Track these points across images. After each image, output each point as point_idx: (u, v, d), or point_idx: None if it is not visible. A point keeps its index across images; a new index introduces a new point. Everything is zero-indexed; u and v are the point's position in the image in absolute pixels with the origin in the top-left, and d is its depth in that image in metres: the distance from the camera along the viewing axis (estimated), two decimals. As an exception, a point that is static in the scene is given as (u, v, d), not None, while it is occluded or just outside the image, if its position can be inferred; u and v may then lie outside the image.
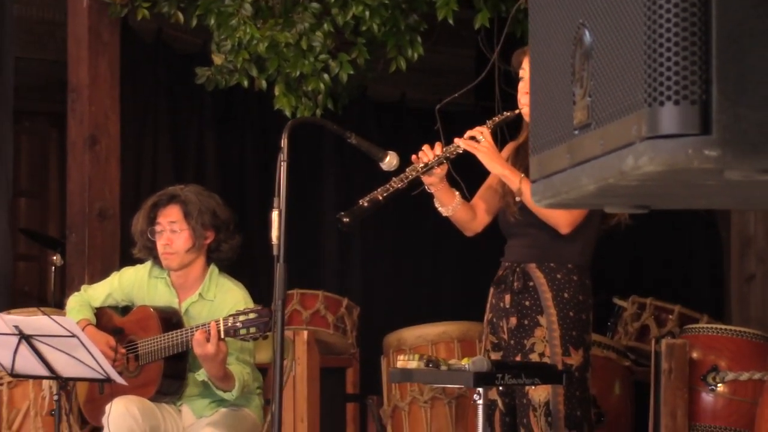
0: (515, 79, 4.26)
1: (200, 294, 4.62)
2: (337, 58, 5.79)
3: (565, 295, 4.09)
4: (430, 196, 4.28)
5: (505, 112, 4.27)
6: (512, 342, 4.16)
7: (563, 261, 4.12)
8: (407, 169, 4.16)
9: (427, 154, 4.16)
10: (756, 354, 5.11)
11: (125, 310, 4.76)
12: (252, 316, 4.28)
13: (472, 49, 7.48)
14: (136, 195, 6.80)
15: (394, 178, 4.13)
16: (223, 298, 4.59)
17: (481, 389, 3.75)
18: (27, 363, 4.40)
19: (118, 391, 4.47)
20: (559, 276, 4.11)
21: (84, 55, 6.29)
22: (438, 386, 5.69)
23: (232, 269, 4.77)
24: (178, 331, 4.48)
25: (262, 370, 4.76)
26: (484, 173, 4.28)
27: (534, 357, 4.09)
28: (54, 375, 4.42)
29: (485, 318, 4.31)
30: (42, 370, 4.41)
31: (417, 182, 4.19)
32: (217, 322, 4.30)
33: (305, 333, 6.02)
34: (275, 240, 3.96)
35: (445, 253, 8.20)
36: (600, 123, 1.49)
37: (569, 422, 4.08)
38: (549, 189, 1.66)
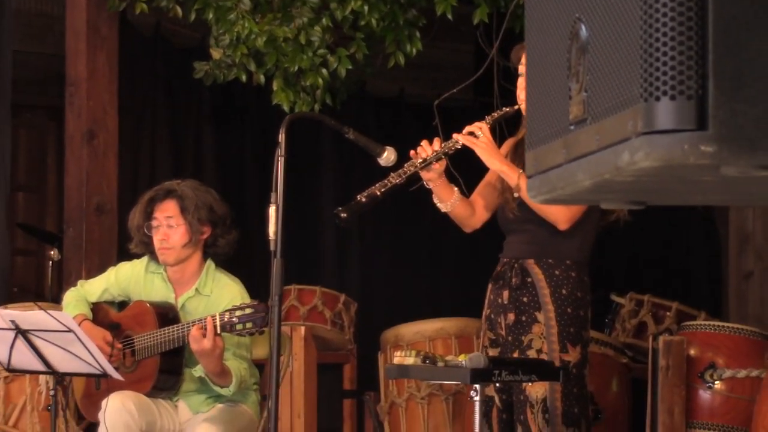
0: (514, 75, 4.25)
1: (197, 289, 4.61)
2: (335, 53, 5.78)
3: (563, 291, 4.08)
4: (428, 192, 4.27)
5: (504, 108, 4.25)
6: (510, 338, 4.15)
7: (562, 257, 4.11)
8: (405, 165, 4.15)
9: (425, 149, 4.15)
10: (753, 351, 5.11)
11: (122, 305, 4.76)
12: (248, 311, 4.26)
13: (471, 44, 7.47)
14: (134, 189, 6.78)
15: (392, 174, 4.12)
16: (220, 294, 4.58)
17: (478, 386, 3.74)
18: (23, 358, 4.40)
19: (114, 386, 4.47)
20: (557, 272, 4.10)
21: (82, 49, 6.27)
22: (435, 383, 5.69)
23: (229, 264, 4.76)
24: (175, 326, 4.47)
25: (259, 365, 4.75)
26: (482, 169, 4.27)
27: (531, 353, 4.08)
28: (50, 370, 4.42)
29: (483, 314, 4.31)
30: (38, 365, 4.41)
31: (415, 178, 4.18)
32: (213, 317, 4.29)
33: (302, 329, 6.02)
34: (272, 235, 3.96)
35: (444, 249, 8.19)
36: (596, 118, 1.48)
37: (566, 419, 4.07)
38: (545, 184, 1.65)
